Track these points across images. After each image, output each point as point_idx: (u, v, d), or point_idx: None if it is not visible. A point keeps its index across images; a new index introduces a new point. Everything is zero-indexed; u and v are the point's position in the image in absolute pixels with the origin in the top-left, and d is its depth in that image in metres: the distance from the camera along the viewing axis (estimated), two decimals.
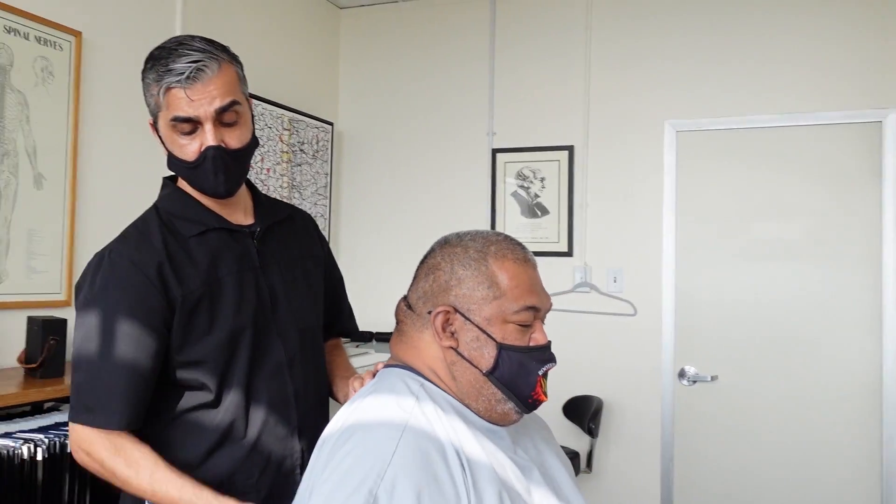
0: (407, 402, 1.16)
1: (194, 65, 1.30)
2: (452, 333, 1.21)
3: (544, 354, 1.23)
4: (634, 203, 3.61)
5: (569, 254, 3.70)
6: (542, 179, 3.78)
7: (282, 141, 3.63)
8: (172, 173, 1.47)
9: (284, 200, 3.62)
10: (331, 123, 4.03)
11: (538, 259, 4.01)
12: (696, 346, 3.50)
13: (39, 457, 1.90)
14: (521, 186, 3.82)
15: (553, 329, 3.64)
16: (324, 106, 4.06)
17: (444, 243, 1.28)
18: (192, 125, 1.33)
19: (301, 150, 3.78)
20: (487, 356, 1.18)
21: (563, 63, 3.76)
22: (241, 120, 1.38)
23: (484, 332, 1.19)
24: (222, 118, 1.34)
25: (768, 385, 3.37)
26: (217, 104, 1.33)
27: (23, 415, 2.09)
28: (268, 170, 3.54)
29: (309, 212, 3.82)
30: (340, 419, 1.18)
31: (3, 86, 2.33)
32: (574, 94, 3.73)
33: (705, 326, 3.48)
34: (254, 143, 1.43)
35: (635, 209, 3.61)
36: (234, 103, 1.35)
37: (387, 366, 1.29)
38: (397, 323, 1.31)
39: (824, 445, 3.28)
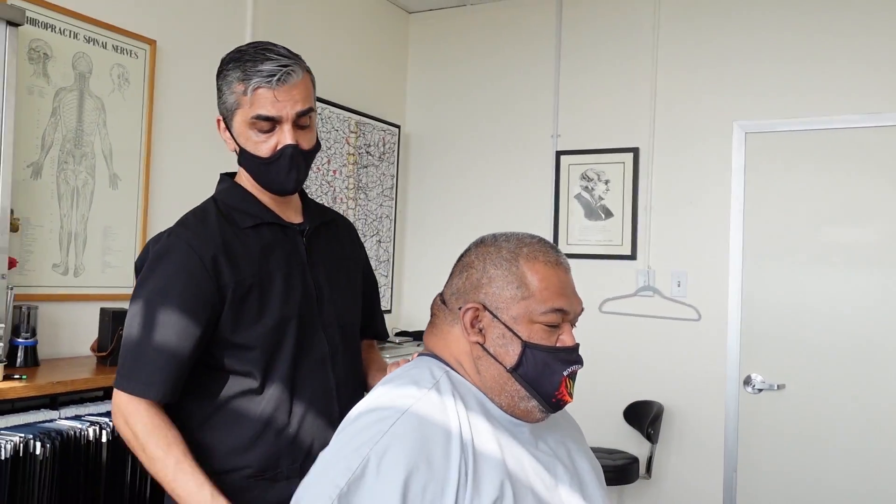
0: (421, 388, 1.21)
1: (283, 69, 1.40)
2: (480, 330, 1.24)
3: (571, 356, 1.24)
4: (700, 206, 3.54)
5: (632, 257, 3.67)
6: (607, 182, 3.75)
7: (348, 143, 3.73)
8: (228, 171, 1.56)
9: (350, 202, 3.73)
10: (398, 126, 4.11)
11: (601, 262, 4.00)
12: (762, 353, 3.40)
13: (104, 439, 2.03)
14: (585, 189, 3.80)
15: (614, 332, 3.65)
16: (391, 109, 4.14)
17: (480, 243, 1.32)
18: (271, 124, 1.41)
19: (367, 153, 3.87)
20: (512, 353, 1.21)
21: (630, 64, 3.73)
22: (312, 125, 1.48)
23: (510, 329, 1.21)
24: (299, 121, 1.44)
25: (838, 395, 3.25)
26: (298, 108, 1.42)
27: (94, 399, 2.24)
28: (334, 171, 3.64)
29: (374, 213, 3.92)
30: (364, 401, 1.24)
31: (82, 92, 2.49)
32: (640, 95, 3.69)
33: (773, 333, 3.39)
34: (318, 146, 1.53)
35: (701, 212, 3.54)
36: (310, 109, 1.45)
37: (420, 355, 1.34)
38: (431, 316, 1.36)
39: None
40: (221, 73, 1.46)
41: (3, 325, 2.11)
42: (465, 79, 4.14)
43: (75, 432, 1.97)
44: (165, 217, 2.78)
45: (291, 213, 1.56)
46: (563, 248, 3.81)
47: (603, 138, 3.77)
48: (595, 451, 3.43)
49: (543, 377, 1.21)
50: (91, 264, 2.53)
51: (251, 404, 1.44)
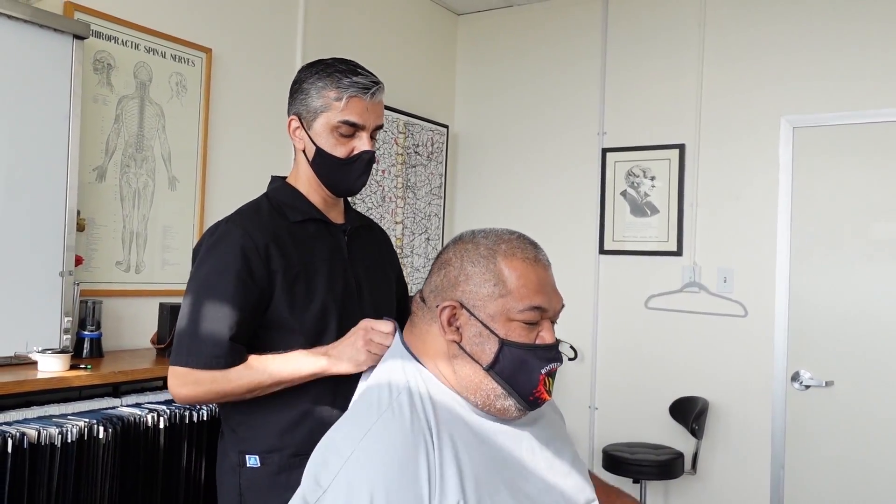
0: (390, 391, 1.22)
1: (376, 85, 1.58)
2: (457, 328, 1.22)
3: (549, 353, 1.22)
4: (747, 202, 3.53)
5: (678, 253, 3.67)
6: (653, 178, 3.77)
7: (397, 144, 3.83)
8: (277, 173, 1.72)
9: (399, 201, 3.83)
10: (446, 126, 4.19)
11: (647, 258, 4.02)
12: (810, 350, 3.38)
13: (161, 425, 2.16)
14: (631, 185, 3.82)
15: (660, 328, 3.67)
16: (439, 109, 4.23)
17: (459, 239, 1.30)
18: (353, 130, 1.56)
19: (416, 153, 3.96)
20: (489, 351, 1.20)
21: (675, 60, 3.73)
22: (377, 139, 1.68)
23: (487, 327, 1.20)
24: (374, 133, 1.60)
25: (887, 392, 3.20)
26: (379, 121, 1.61)
27: (153, 389, 2.38)
28: (383, 171, 3.75)
29: (423, 211, 4.01)
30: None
31: (143, 99, 2.65)
32: (686, 91, 3.70)
33: (821, 330, 3.36)
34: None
35: (748, 208, 3.53)
36: (382, 126, 1.63)
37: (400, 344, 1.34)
38: (411, 314, 1.35)
39: None
40: (307, 78, 1.59)
41: (69, 319, 2.27)
42: (512, 78, 4.19)
43: (135, 418, 2.11)
44: (221, 216, 2.90)
45: (335, 214, 1.69)
46: (609, 244, 3.84)
47: (649, 135, 3.78)
48: (640, 446, 3.48)
49: (521, 375, 1.19)
50: (151, 262, 2.69)
51: (297, 386, 1.53)
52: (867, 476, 3.23)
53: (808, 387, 3.37)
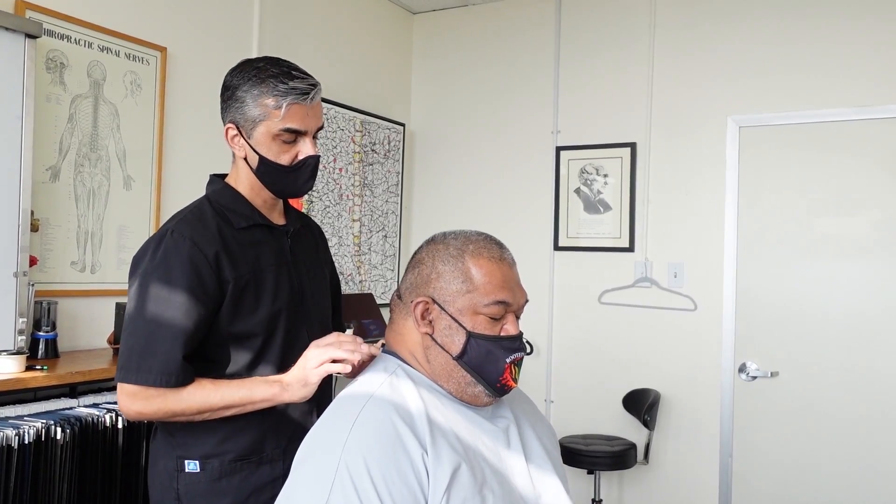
0: (377, 379, 1.32)
1: (313, 87, 1.54)
2: (430, 321, 1.33)
3: (514, 344, 1.33)
4: (696, 199, 3.64)
5: (630, 249, 3.77)
6: (605, 176, 3.85)
7: (353, 142, 3.86)
8: (217, 172, 1.68)
9: (356, 199, 3.85)
10: (402, 124, 4.22)
11: (600, 254, 4.10)
12: (757, 342, 3.50)
13: (120, 425, 2.17)
14: (585, 183, 3.90)
15: (613, 323, 3.77)
16: (396, 107, 4.26)
17: (431, 241, 1.41)
18: (294, 136, 1.53)
19: (373, 150, 3.99)
20: (458, 342, 1.31)
21: (627, 61, 3.82)
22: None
23: (456, 321, 1.31)
24: (315, 135, 1.58)
25: (831, 383, 3.34)
26: (320, 122, 1.59)
27: (111, 389, 2.38)
28: (340, 169, 3.77)
29: (380, 209, 4.04)
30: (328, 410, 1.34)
31: (96, 98, 2.63)
32: (637, 91, 3.79)
33: (767, 323, 3.48)
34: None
35: (697, 205, 3.63)
36: (322, 126, 1.61)
37: (382, 351, 1.45)
38: (391, 312, 1.46)
39: (888, 447, 3.23)
40: (241, 86, 1.53)
41: (24, 320, 2.25)
42: (468, 77, 4.24)
43: (93, 419, 2.12)
44: None
45: (276, 215, 1.67)
46: (564, 241, 3.92)
47: (601, 134, 3.87)
48: (594, 437, 3.56)
49: (487, 364, 1.30)
50: (107, 262, 2.67)
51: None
52: (811, 463, 3.36)
53: (754, 378, 3.49)
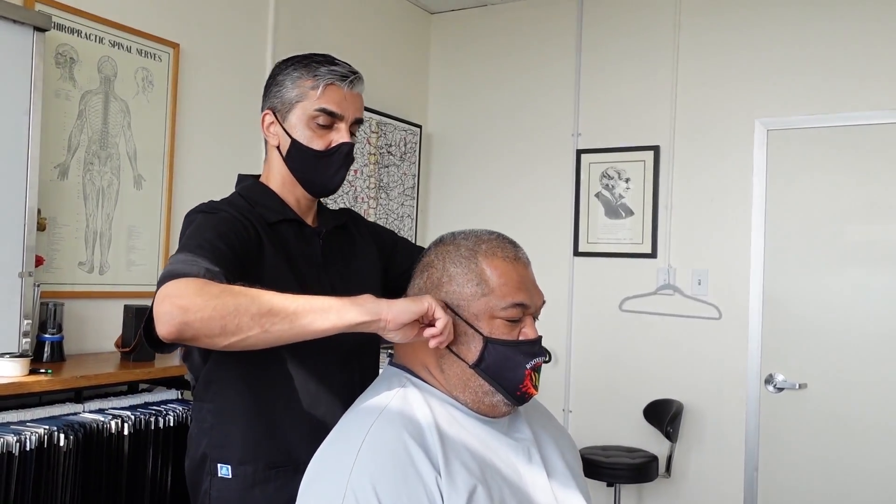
0: (386, 394, 1.24)
1: (354, 75, 1.48)
2: None
3: (533, 349, 1.25)
4: (721, 204, 3.53)
5: (652, 255, 3.66)
6: (627, 180, 3.75)
7: (369, 143, 3.78)
8: (246, 173, 1.60)
9: (371, 201, 3.77)
10: (419, 126, 4.14)
11: (621, 260, 4.00)
12: (784, 352, 3.38)
13: (126, 431, 2.09)
14: (606, 187, 3.80)
15: (635, 331, 3.65)
16: (413, 109, 4.18)
17: (440, 242, 1.33)
18: (331, 120, 1.45)
19: (388, 153, 3.91)
20: (474, 349, 1.22)
21: (650, 62, 3.72)
22: (355, 135, 1.54)
23: (472, 326, 1.23)
24: (352, 128, 1.49)
25: (862, 396, 3.22)
26: (358, 114, 1.50)
27: (118, 394, 2.31)
28: (356, 171, 3.69)
29: (395, 212, 3.96)
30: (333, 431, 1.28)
31: (107, 95, 2.57)
32: (661, 93, 3.69)
33: (795, 332, 3.36)
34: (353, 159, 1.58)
35: (722, 210, 3.53)
36: (362, 121, 1.53)
37: (389, 364, 1.37)
38: None
39: None
40: (283, 71, 1.49)
41: (29, 321, 2.18)
42: (487, 78, 4.16)
43: (98, 425, 2.04)
44: None
45: (310, 217, 1.58)
46: (584, 246, 3.82)
47: (623, 136, 3.77)
48: (614, 449, 3.45)
49: (506, 371, 1.22)
50: (116, 263, 2.60)
51: (272, 395, 1.45)
52: (840, 478, 3.24)
53: (781, 389, 3.37)
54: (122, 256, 2.62)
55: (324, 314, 1.15)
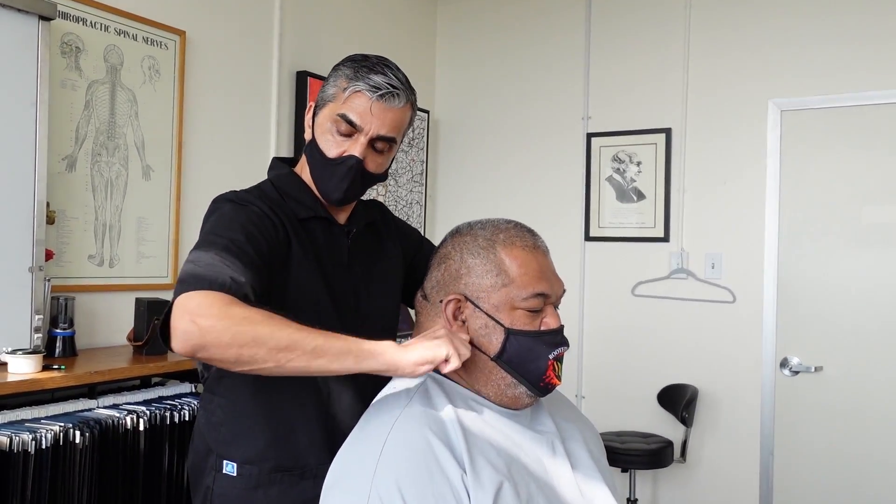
0: (407, 391, 1.21)
1: (391, 89, 1.37)
2: (463, 321, 1.23)
3: (555, 338, 1.23)
4: (735, 187, 3.48)
5: (665, 239, 3.62)
6: (639, 163, 3.71)
7: None
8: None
9: (380, 188, 3.73)
10: (426, 111, 4.09)
11: (633, 244, 3.97)
12: (799, 335, 3.35)
13: (141, 427, 2.06)
14: (617, 171, 3.76)
15: (648, 316, 3.62)
16: (420, 95, 4.05)
17: (456, 232, 1.31)
18: (351, 130, 1.38)
19: None
20: (495, 342, 1.20)
21: (661, 43, 3.66)
22: (387, 153, 1.44)
23: (492, 318, 1.21)
24: (376, 144, 1.40)
25: (877, 378, 3.19)
26: (382, 131, 1.39)
27: (131, 388, 2.28)
28: None
29: (404, 199, 3.92)
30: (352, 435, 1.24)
31: (114, 84, 2.52)
32: (672, 74, 3.63)
33: (810, 315, 3.33)
34: (383, 177, 1.48)
35: (736, 193, 3.48)
36: (392, 140, 1.42)
37: None
38: (416, 315, 1.35)
39: None
40: (338, 66, 1.44)
41: (41, 317, 2.15)
42: (494, 63, 4.10)
43: (114, 421, 2.01)
44: (198, 207, 2.79)
45: (341, 213, 1.52)
46: (595, 231, 3.78)
47: (634, 119, 3.72)
48: (629, 434, 3.43)
49: (529, 362, 1.20)
50: (126, 255, 2.57)
51: (287, 396, 1.41)
52: (856, 461, 3.22)
53: (797, 373, 3.34)
54: (133, 249, 2.59)
55: (341, 358, 1.14)
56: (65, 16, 2.36)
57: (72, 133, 2.40)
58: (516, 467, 1.16)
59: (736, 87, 3.48)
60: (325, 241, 1.47)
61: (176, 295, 1.16)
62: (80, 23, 2.41)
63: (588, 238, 3.80)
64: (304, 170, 1.49)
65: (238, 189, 1.44)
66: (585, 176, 3.82)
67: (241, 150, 2.99)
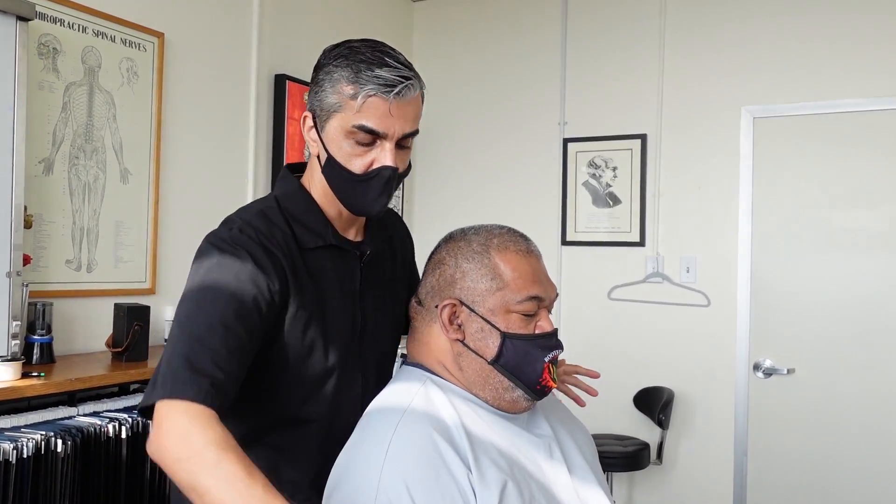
0: (409, 391, 1.22)
1: (404, 81, 1.22)
2: (459, 326, 1.25)
3: (550, 342, 1.25)
4: (709, 192, 3.54)
5: (641, 244, 3.66)
6: (615, 168, 3.74)
7: None
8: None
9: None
10: None
11: (609, 249, 3.99)
12: (772, 338, 3.41)
13: (124, 435, 2.03)
14: (593, 176, 3.79)
15: (624, 319, 3.65)
16: None
17: (450, 238, 1.32)
18: (372, 138, 1.23)
19: None
20: (492, 345, 1.22)
21: (636, 50, 3.71)
22: (410, 146, 1.31)
23: (488, 322, 1.22)
24: (402, 141, 1.26)
25: (848, 380, 3.26)
26: (408, 128, 1.25)
27: (110, 395, 2.24)
28: None
29: None
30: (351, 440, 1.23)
31: (91, 86, 2.48)
32: (647, 81, 3.68)
33: (782, 318, 3.39)
34: (409, 169, 1.34)
35: (710, 198, 3.53)
36: (416, 132, 1.28)
37: (403, 364, 1.33)
38: (410, 321, 1.35)
39: None
40: (325, 67, 1.27)
41: (19, 323, 2.11)
42: (471, 67, 4.11)
43: (95, 429, 1.98)
44: (176, 210, 2.77)
45: (355, 231, 1.38)
46: (571, 235, 3.81)
47: (610, 125, 3.76)
48: (605, 437, 3.46)
49: (525, 365, 1.22)
50: (104, 259, 2.52)
51: (284, 438, 1.31)
52: (828, 461, 3.28)
53: (770, 375, 3.40)
54: (110, 253, 2.55)
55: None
56: (42, 16, 2.31)
57: (49, 136, 2.35)
58: (518, 468, 1.18)
59: (710, 95, 3.54)
60: (335, 271, 1.33)
61: (156, 386, 1.10)
62: (58, 24, 2.37)
63: (564, 242, 3.83)
64: (312, 184, 1.34)
65: (234, 216, 1.30)
66: (562, 181, 3.84)
67: (219, 154, 2.96)
